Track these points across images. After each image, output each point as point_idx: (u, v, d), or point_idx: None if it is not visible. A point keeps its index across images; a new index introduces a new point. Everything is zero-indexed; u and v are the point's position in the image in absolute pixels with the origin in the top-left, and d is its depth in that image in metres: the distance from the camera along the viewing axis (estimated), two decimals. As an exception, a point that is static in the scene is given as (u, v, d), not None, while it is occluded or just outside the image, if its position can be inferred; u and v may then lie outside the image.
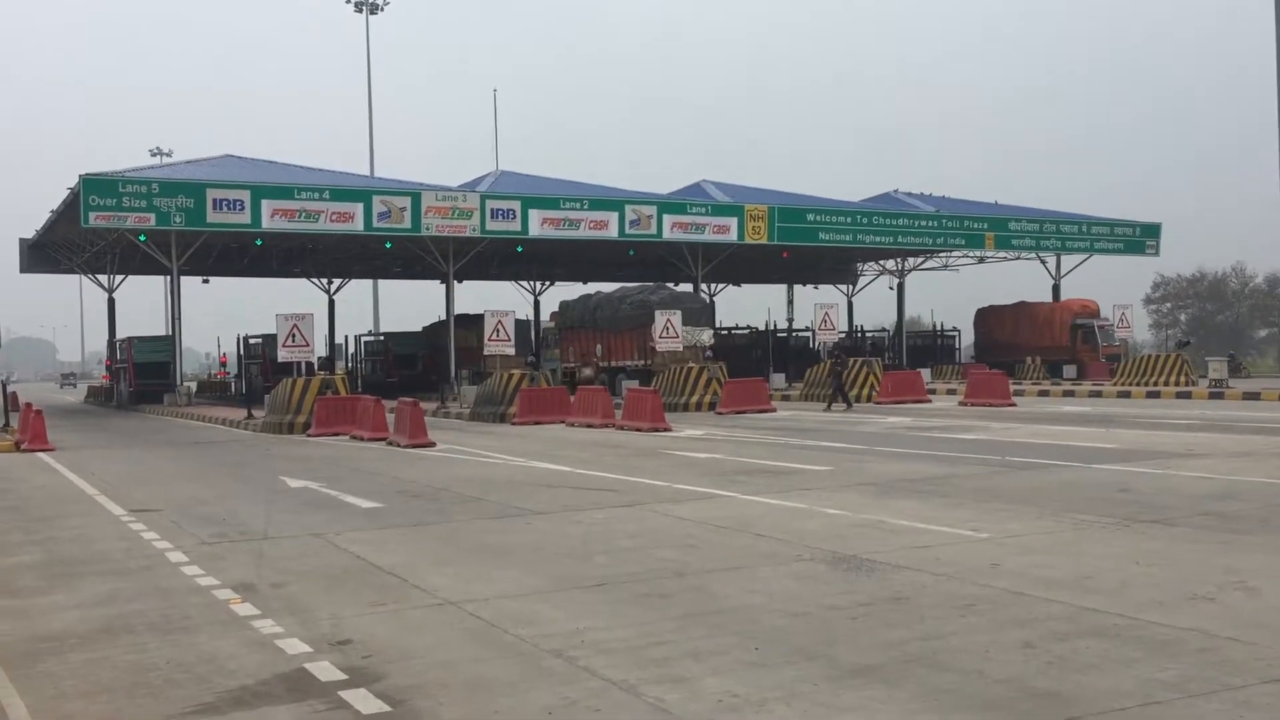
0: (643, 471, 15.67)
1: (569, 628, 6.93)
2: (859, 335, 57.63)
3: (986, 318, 54.68)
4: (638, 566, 8.85)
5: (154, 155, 67.92)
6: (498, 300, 52.59)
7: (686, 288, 48.20)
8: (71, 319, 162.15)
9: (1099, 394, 35.04)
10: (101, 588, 8.64)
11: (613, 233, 42.69)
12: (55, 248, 48.46)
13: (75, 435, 27.88)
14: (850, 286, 62.70)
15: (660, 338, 33.26)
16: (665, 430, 23.15)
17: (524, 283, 59.65)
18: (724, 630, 6.82)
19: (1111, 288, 53.55)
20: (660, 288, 41.95)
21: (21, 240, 49.99)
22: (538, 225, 41.48)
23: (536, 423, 26.63)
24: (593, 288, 50.09)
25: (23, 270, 51.42)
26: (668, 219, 43.59)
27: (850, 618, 7.07)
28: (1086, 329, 48.26)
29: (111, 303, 53.02)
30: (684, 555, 9.30)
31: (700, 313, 39.38)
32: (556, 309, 46.76)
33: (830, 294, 59.49)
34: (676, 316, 33.76)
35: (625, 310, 39.25)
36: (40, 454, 22.06)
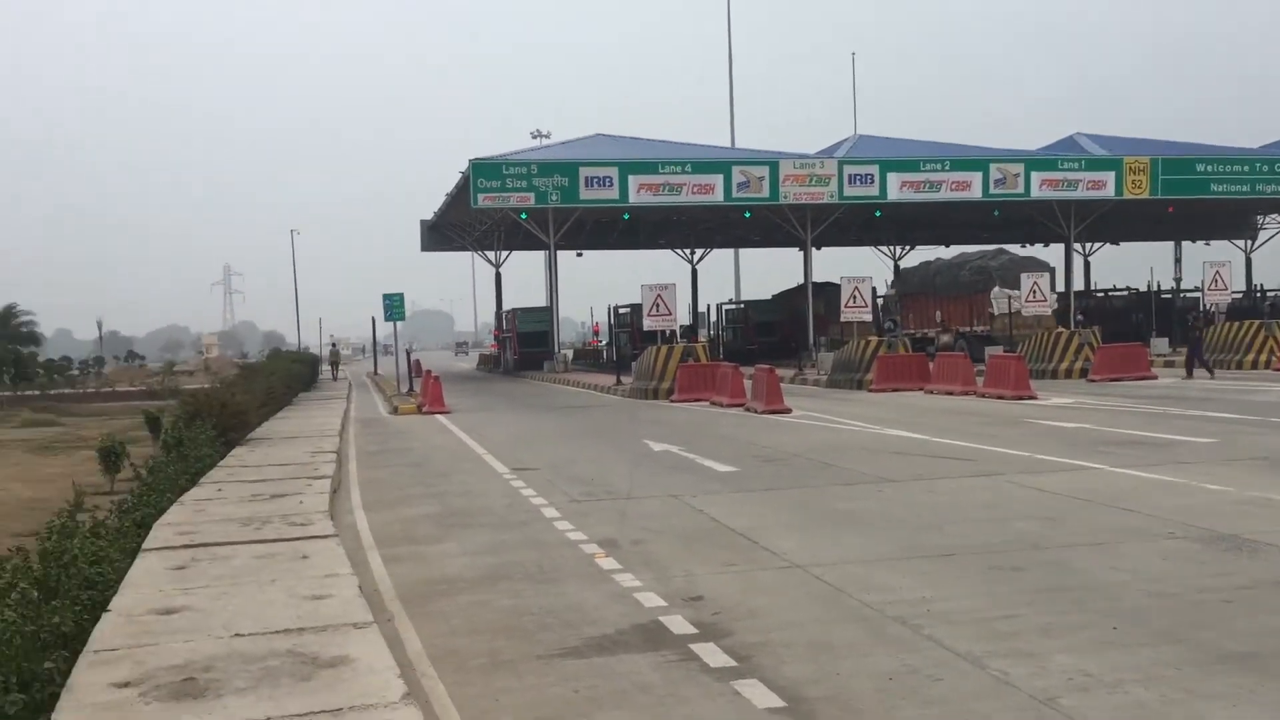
0: (1002, 440, 15.16)
1: (914, 596, 6.93)
2: (1258, 295, 52.22)
3: None
4: (990, 537, 8.66)
5: (534, 138, 72.39)
6: (856, 266, 52.13)
7: (1057, 249, 45.74)
8: (465, 292, 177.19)
9: None
10: (486, 538, 9.53)
11: (976, 193, 41.17)
12: (450, 227, 53.05)
13: (467, 399, 30.54)
14: (1248, 242, 56.89)
15: (1027, 301, 31.81)
16: (1030, 398, 22.19)
17: (883, 247, 58.73)
18: (1080, 607, 6.57)
19: None
20: (1000, 252, 40.15)
21: (422, 222, 55.11)
22: (896, 189, 40.73)
23: (894, 389, 26.30)
24: (955, 251, 48.66)
25: (423, 249, 56.69)
26: (1036, 176, 41.45)
27: (1224, 600, 6.60)
28: None
29: (498, 277, 57.40)
30: (1041, 528, 8.99)
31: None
32: (894, 276, 45.94)
33: (1224, 250, 54.29)
34: (1044, 279, 32.19)
35: (964, 276, 37.97)
36: (438, 416, 24.40)
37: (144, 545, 7.72)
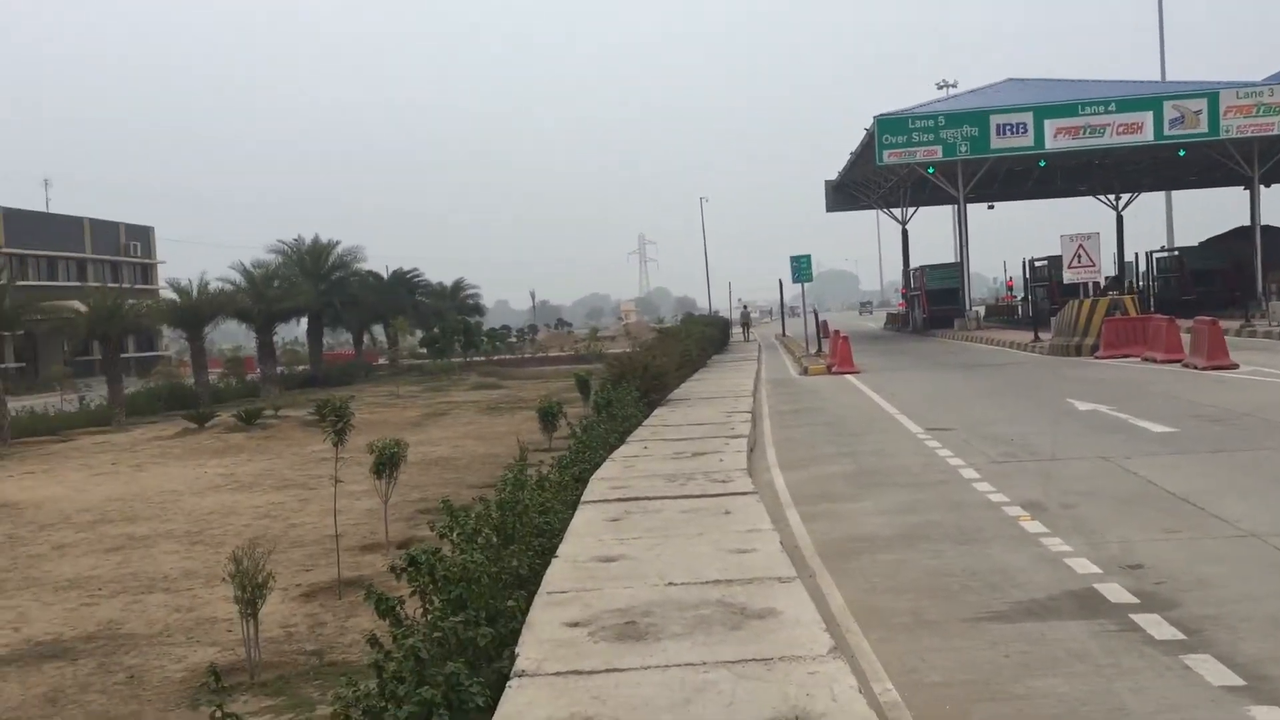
0: None
1: (1402, 573, 6.10)
2: None
3: None
4: None
5: (940, 89, 70.16)
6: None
7: None
8: (869, 251, 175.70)
9: None
10: (902, 497, 9.44)
11: None
12: (854, 186, 52.74)
13: (876, 359, 30.28)
14: None
15: None
16: None
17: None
18: None
19: None
20: None
21: (827, 182, 55.18)
22: (1367, 111, 35.69)
23: (1366, 341, 23.16)
24: None
25: (828, 209, 56.76)
26: None
27: None
28: None
29: (905, 234, 56.37)
30: None
31: None
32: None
33: None
34: None
35: None
36: (847, 375, 24.39)
37: (583, 498, 8.34)
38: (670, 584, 5.63)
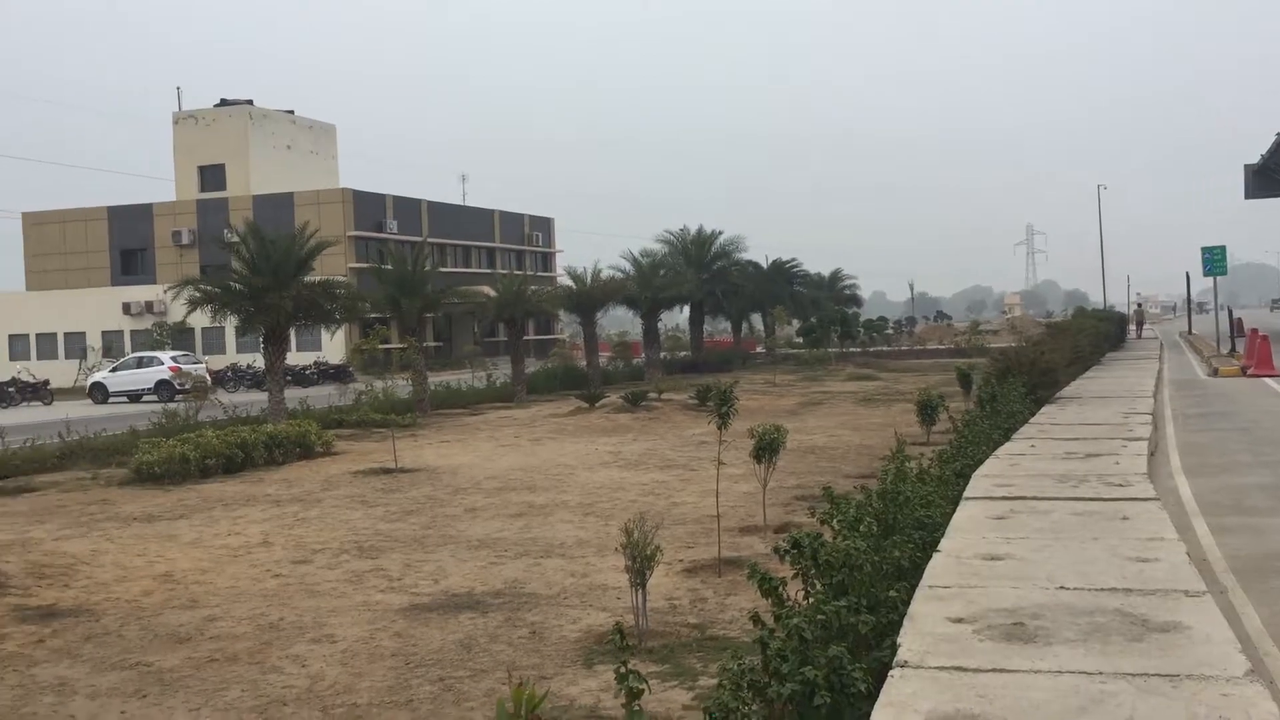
0: None
1: None
2: None
3: None
4: None
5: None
6: None
7: None
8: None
9: None
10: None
11: None
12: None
13: (1301, 361, 27.19)
14: None
15: None
16: None
17: None
18: None
19: None
20: None
21: (1246, 166, 50.11)
22: None
23: None
24: None
25: (1247, 196, 51.51)
26: None
27: None
28: None
29: (1339, 222, 50.23)
30: None
31: None
32: None
33: None
34: None
35: None
36: (1266, 379, 22.10)
37: (965, 494, 8.11)
38: (1061, 588, 5.37)
